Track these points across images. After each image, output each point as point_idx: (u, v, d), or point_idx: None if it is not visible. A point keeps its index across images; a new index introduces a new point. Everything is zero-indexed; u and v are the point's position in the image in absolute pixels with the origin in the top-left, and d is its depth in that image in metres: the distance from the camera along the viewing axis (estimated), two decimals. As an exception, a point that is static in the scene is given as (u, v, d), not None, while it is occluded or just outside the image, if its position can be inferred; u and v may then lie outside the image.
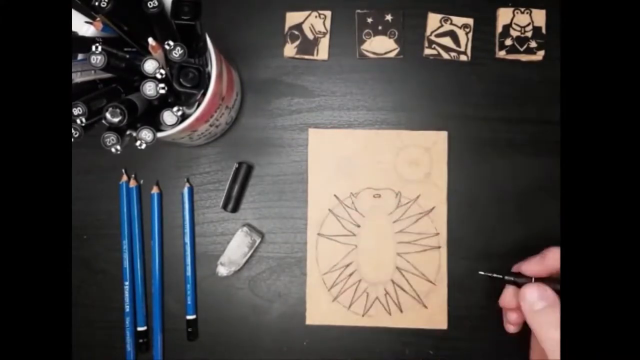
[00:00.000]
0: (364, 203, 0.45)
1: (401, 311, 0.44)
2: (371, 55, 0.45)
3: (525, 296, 0.35)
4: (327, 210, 0.45)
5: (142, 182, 0.46)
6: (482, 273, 0.40)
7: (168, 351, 0.45)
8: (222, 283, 0.45)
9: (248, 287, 0.45)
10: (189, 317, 0.45)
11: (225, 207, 0.45)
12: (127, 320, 0.45)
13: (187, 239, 0.45)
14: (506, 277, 0.39)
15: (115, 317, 0.45)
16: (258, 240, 0.44)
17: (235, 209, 0.45)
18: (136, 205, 0.45)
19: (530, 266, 0.37)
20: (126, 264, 0.45)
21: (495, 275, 0.39)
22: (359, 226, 0.45)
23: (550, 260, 0.37)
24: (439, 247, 0.44)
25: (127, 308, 0.45)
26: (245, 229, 0.44)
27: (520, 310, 0.37)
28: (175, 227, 0.46)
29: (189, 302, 0.45)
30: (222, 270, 0.44)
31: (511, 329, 0.41)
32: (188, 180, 0.45)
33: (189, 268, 0.45)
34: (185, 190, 0.45)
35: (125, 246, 0.45)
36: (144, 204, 0.46)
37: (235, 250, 0.44)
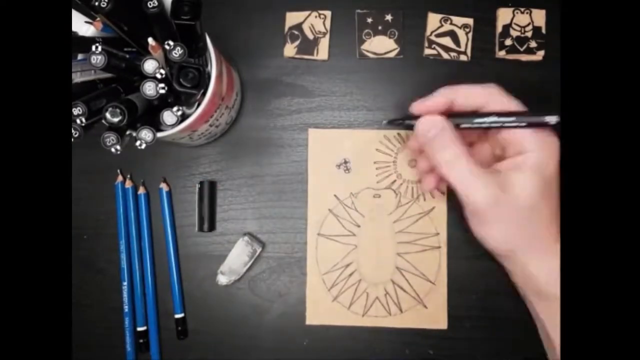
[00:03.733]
0: (364, 203, 0.45)
1: (401, 311, 0.44)
2: (371, 55, 0.45)
3: (418, 128, 0.36)
4: (327, 210, 0.45)
5: (142, 181, 0.46)
6: (385, 122, 0.40)
7: (167, 351, 0.45)
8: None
9: (248, 287, 0.45)
10: (177, 316, 0.45)
11: (201, 228, 0.45)
12: (127, 321, 0.45)
13: (170, 239, 0.45)
14: (406, 122, 0.38)
15: (115, 317, 0.45)
16: (259, 250, 0.44)
17: (211, 228, 0.45)
18: (132, 205, 0.45)
19: (419, 104, 0.37)
20: (124, 264, 0.45)
21: (394, 120, 0.39)
22: (359, 226, 0.45)
23: (439, 96, 0.37)
24: (439, 247, 0.44)
25: (126, 308, 0.45)
26: (246, 238, 0.44)
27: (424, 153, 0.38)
28: (176, 226, 0.46)
29: (177, 301, 0.45)
30: (223, 279, 0.44)
31: (426, 184, 0.41)
32: (165, 180, 0.46)
33: (173, 268, 0.45)
34: (164, 192, 0.45)
35: (123, 247, 0.45)
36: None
37: (236, 259, 0.44)
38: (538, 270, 0.35)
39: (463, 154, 0.35)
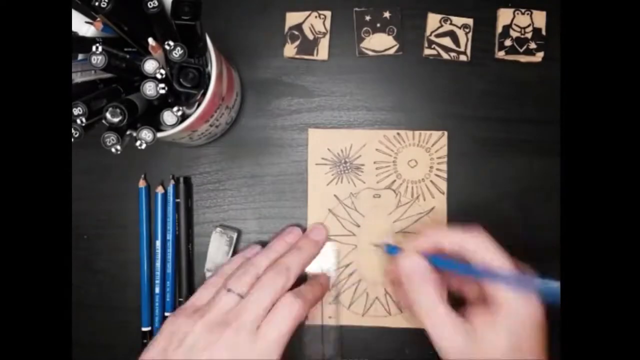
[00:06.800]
0: (364, 203, 0.45)
1: (401, 311, 0.44)
2: (370, 53, 0.45)
3: (400, 264, 0.37)
4: (327, 210, 0.45)
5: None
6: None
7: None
8: (222, 283, 0.45)
9: (248, 287, 0.45)
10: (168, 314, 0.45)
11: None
12: (157, 299, 0.45)
13: (170, 237, 0.45)
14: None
15: (115, 317, 0.45)
16: (235, 236, 0.44)
17: None
18: (145, 206, 0.45)
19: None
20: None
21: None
22: (359, 226, 0.45)
23: (426, 241, 0.37)
24: (439, 247, 0.44)
25: (158, 289, 0.45)
26: (218, 229, 0.44)
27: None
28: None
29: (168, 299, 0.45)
30: None
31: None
32: (173, 178, 0.45)
33: (169, 265, 0.45)
34: (171, 188, 0.45)
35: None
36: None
37: (217, 252, 0.44)
38: None
39: (440, 302, 0.34)
